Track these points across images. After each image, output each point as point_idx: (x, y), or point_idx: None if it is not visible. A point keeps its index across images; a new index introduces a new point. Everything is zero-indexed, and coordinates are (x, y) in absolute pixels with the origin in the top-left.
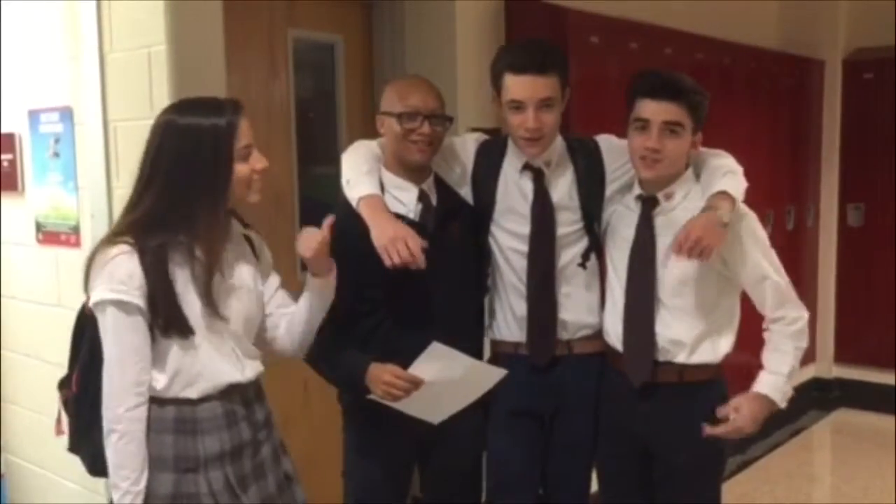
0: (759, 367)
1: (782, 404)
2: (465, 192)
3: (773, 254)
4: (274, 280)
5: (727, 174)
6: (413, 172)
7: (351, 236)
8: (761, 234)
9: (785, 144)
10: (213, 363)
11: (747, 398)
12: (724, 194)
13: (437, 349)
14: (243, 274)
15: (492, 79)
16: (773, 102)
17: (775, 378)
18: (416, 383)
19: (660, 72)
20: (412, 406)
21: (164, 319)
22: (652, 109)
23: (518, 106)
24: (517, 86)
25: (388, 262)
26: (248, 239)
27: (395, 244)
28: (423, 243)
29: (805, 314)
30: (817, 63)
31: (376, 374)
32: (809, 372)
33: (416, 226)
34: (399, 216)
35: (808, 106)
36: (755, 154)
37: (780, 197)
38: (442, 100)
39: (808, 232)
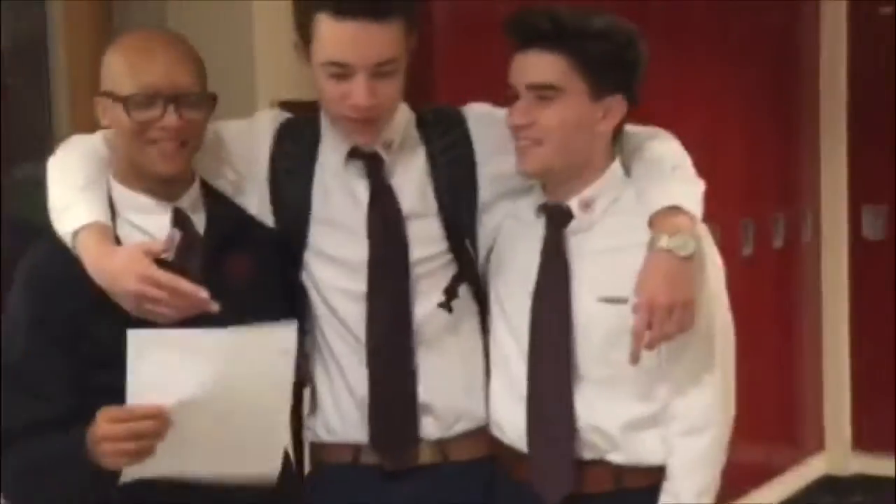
0: (742, 463)
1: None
2: (257, 204)
3: (724, 297)
4: None
5: (675, 170)
6: (162, 184)
7: (66, 297)
8: (715, 261)
9: (766, 119)
10: None
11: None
12: (675, 210)
13: (142, 340)
14: None
15: (295, 19)
16: (748, 55)
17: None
18: (150, 416)
19: (534, 7)
20: (188, 461)
21: None
22: (518, 66)
23: (340, 72)
24: (339, 39)
25: (152, 316)
26: None
27: (149, 289)
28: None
29: (725, 432)
30: None
31: (92, 437)
32: (819, 467)
33: (171, 268)
34: None
35: (798, 59)
36: (722, 134)
37: (762, 199)
38: (199, 69)
39: (804, 250)
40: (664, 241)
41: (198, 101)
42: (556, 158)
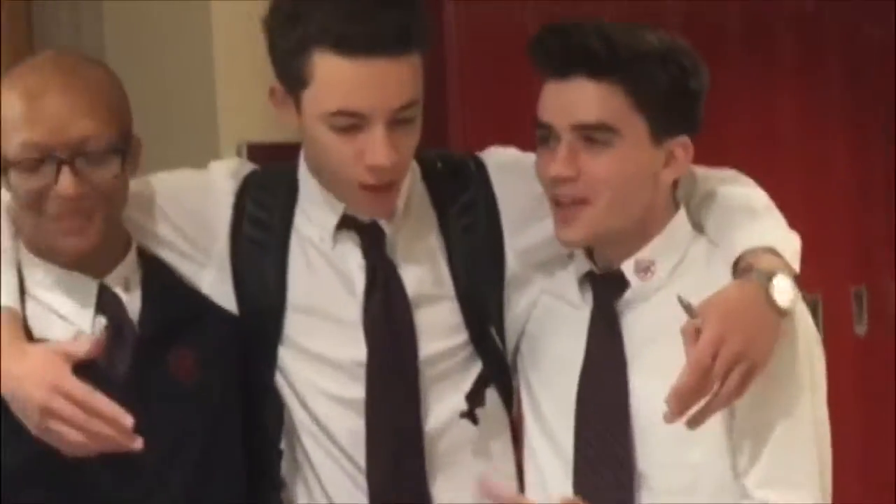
0: None
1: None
2: (213, 283)
3: (823, 386)
4: None
5: (768, 210)
6: (85, 258)
7: None
8: (811, 337)
9: (852, 160)
10: None
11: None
12: (767, 253)
13: None
14: None
15: (278, 58)
16: (858, 76)
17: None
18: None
19: (569, 22)
20: None
21: None
22: (555, 99)
23: (351, 123)
24: (350, 82)
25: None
26: None
27: (59, 403)
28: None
29: None
30: None
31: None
32: None
33: (92, 372)
34: None
35: None
36: (823, 178)
37: (837, 268)
38: (113, 109)
39: None
40: (763, 273)
41: (107, 154)
42: (608, 221)
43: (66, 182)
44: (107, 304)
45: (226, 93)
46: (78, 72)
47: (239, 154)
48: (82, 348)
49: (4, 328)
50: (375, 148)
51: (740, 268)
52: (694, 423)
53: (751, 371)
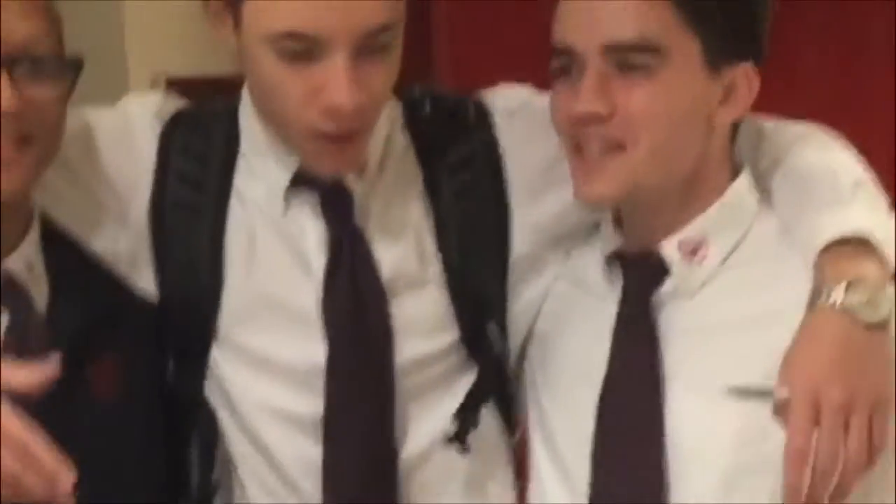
0: None
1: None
2: (130, 261)
3: None
4: None
5: (857, 187)
6: None
7: None
8: None
9: None
10: None
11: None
12: (858, 248)
13: None
14: None
15: None
16: None
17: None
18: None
19: None
20: None
21: None
22: (578, 14)
23: (302, 49)
24: None
25: None
26: None
27: None
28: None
29: None
30: None
31: None
32: None
33: None
34: None
35: None
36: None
37: None
38: (51, 17)
39: None
40: (837, 295)
41: (52, 66)
42: (649, 173)
43: (4, 90)
44: (8, 296)
45: (136, 14)
46: None
47: (154, 89)
48: (29, 379)
49: None
50: (335, 84)
51: (818, 276)
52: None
53: (877, 410)
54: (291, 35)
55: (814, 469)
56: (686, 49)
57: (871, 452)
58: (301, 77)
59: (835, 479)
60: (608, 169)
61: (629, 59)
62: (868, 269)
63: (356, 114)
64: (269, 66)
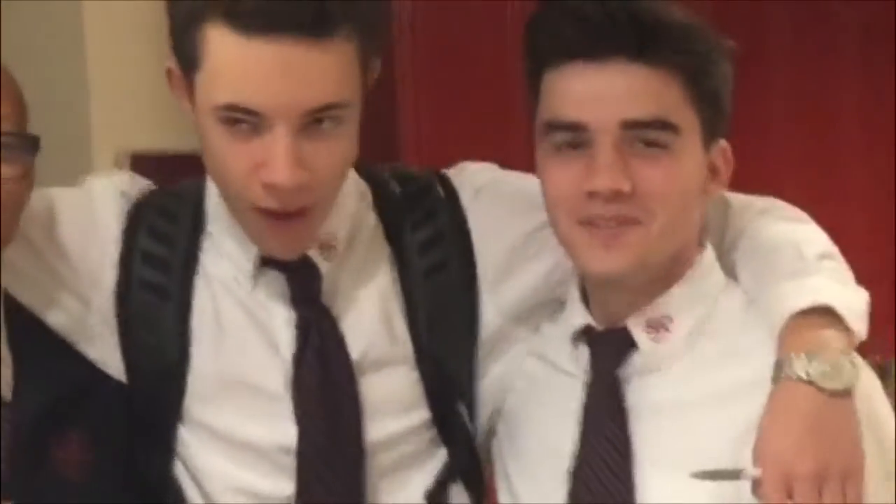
0: None
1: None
2: (97, 343)
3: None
4: None
5: (822, 260)
6: None
7: None
8: (888, 425)
9: None
10: None
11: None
12: (821, 318)
13: None
14: None
15: (172, 26)
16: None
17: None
18: None
19: None
20: None
21: None
22: (588, 91)
23: (246, 121)
24: (244, 68)
25: None
26: None
27: None
28: None
29: None
30: None
31: None
32: None
33: None
34: None
35: None
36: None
37: None
38: (19, 100)
39: None
40: (799, 365)
41: (16, 142)
42: (663, 246)
43: None
44: None
45: (100, 90)
46: None
47: (118, 166)
48: None
49: None
50: (273, 160)
51: (785, 342)
52: None
53: (849, 477)
54: (234, 108)
55: None
56: (692, 127)
57: None
58: (245, 151)
59: None
60: (625, 244)
61: (648, 135)
62: (829, 337)
63: (298, 192)
64: (215, 138)
